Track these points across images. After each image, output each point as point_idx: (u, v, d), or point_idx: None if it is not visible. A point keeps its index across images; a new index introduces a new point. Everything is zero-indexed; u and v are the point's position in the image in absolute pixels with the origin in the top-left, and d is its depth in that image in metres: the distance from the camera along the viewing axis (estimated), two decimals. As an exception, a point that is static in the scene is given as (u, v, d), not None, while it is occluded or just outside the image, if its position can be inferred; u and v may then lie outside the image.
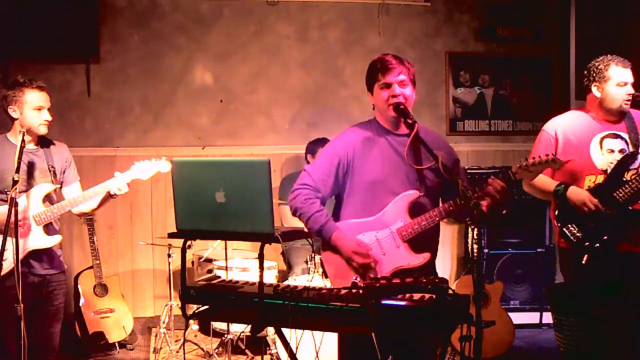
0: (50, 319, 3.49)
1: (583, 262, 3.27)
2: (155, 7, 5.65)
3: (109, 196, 3.46)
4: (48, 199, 3.45)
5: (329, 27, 5.91)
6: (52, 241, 3.43)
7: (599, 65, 3.43)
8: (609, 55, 3.45)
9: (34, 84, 3.42)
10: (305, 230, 2.89)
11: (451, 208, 2.76)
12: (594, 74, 3.42)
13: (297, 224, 3.04)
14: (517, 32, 6.06)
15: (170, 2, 5.67)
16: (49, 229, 3.43)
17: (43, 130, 3.42)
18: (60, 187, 3.55)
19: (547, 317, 5.28)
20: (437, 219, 2.80)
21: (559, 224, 3.41)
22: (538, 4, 6.15)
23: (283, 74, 5.86)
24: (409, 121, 2.82)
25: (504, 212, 2.79)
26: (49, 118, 3.44)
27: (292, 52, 5.87)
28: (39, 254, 3.41)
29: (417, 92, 2.96)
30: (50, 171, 3.47)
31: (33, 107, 3.38)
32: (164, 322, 4.78)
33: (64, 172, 3.56)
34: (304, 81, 5.89)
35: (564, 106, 5.89)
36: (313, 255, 4.30)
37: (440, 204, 2.87)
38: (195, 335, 4.92)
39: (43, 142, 3.51)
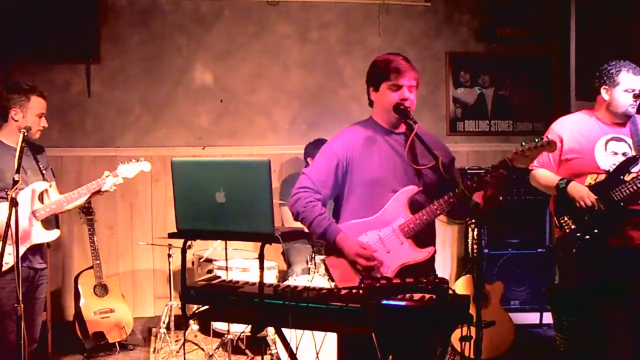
0: (37, 311, 3.62)
1: (573, 250, 3.40)
2: (155, 7, 5.64)
3: (97, 192, 3.64)
4: (41, 196, 3.57)
5: (329, 27, 5.91)
6: (51, 236, 3.57)
7: (610, 69, 3.50)
8: (621, 61, 3.52)
9: (38, 91, 3.55)
10: (306, 230, 2.89)
11: (452, 199, 2.75)
12: (605, 77, 3.51)
13: (298, 224, 3.04)
14: (517, 32, 6.04)
15: (170, 2, 5.67)
16: (46, 224, 3.55)
17: (37, 135, 3.57)
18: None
19: (547, 317, 5.27)
20: (439, 212, 2.80)
21: (555, 215, 3.56)
22: (538, 5, 6.14)
23: (283, 74, 5.85)
24: (410, 122, 2.83)
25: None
26: (46, 125, 3.60)
27: (292, 52, 5.87)
28: (34, 249, 3.52)
29: (417, 92, 2.96)
30: (39, 170, 3.58)
31: (36, 114, 3.52)
32: (164, 322, 4.78)
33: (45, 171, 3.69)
34: (304, 81, 5.89)
35: (564, 106, 5.89)
36: (313, 255, 4.30)
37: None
38: (195, 336, 4.92)
39: (27, 143, 3.59)
